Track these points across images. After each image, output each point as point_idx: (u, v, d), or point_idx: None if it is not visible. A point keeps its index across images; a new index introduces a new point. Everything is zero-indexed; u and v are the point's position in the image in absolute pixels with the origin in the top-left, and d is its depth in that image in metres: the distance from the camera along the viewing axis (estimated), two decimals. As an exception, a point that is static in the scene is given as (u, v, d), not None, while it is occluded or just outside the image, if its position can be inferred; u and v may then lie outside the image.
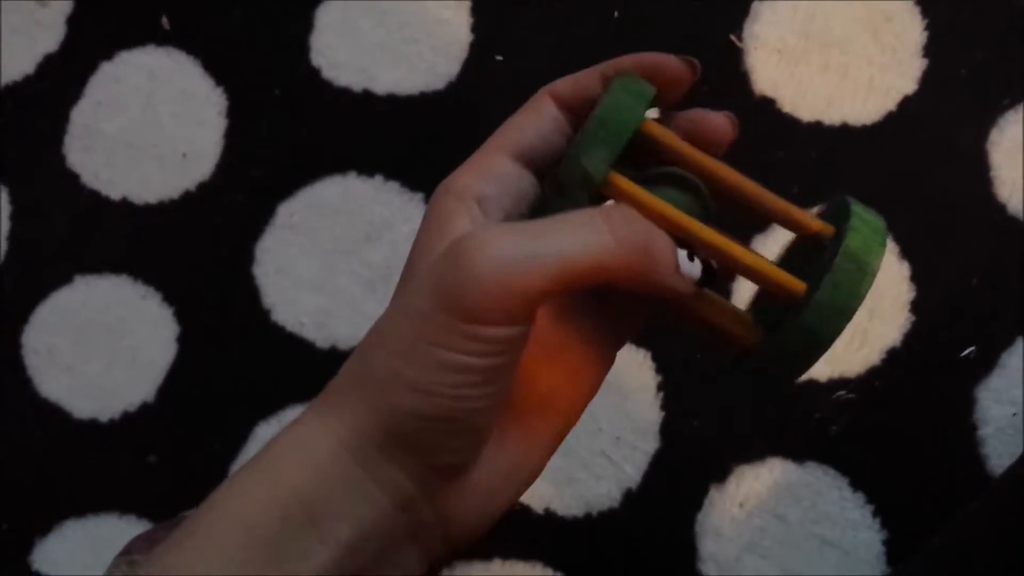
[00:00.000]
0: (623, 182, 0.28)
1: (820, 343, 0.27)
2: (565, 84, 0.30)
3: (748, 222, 0.30)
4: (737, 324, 0.29)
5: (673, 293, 0.26)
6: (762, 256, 0.28)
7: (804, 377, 0.58)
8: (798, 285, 0.27)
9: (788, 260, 0.31)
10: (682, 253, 0.26)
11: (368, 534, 0.26)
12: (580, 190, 0.27)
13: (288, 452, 0.26)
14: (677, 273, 0.26)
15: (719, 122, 0.29)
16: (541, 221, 0.26)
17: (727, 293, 0.58)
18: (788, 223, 0.29)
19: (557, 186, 0.27)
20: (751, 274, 0.28)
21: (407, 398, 0.25)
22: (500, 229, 0.25)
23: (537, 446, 0.29)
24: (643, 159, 0.29)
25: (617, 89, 0.28)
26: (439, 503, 0.27)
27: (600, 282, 0.25)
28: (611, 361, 0.31)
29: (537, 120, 0.30)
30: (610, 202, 0.28)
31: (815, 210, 0.31)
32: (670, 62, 0.29)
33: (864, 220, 0.28)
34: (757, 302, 0.33)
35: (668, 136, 0.28)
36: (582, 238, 0.25)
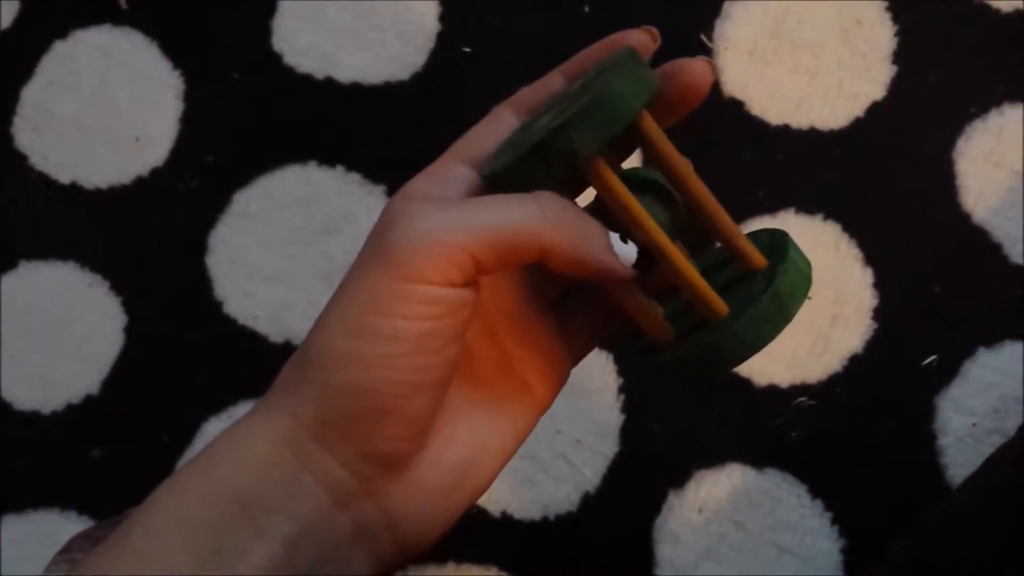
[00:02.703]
0: (605, 171, 0.27)
1: (722, 366, 0.28)
2: (526, 93, 0.30)
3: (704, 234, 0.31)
4: (652, 320, 0.30)
5: (608, 272, 0.26)
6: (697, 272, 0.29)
7: (765, 382, 0.58)
8: (722, 308, 0.29)
9: (715, 268, 0.32)
10: (615, 236, 0.27)
11: (306, 529, 0.26)
12: (560, 162, 0.26)
13: (226, 450, 0.27)
14: (609, 251, 0.26)
15: (699, 67, 0.29)
16: (473, 198, 0.26)
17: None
18: (732, 247, 0.30)
19: (540, 149, 0.26)
20: (687, 286, 0.29)
21: (341, 373, 0.25)
22: (433, 201, 0.26)
23: (489, 447, 0.29)
24: (624, 143, 0.30)
25: (627, 72, 0.27)
26: (383, 500, 0.27)
27: (533, 255, 0.26)
28: (568, 370, 0.31)
29: (495, 130, 0.30)
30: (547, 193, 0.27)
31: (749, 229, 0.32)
32: (632, 36, 0.30)
33: (796, 265, 0.29)
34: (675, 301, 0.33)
35: (656, 133, 0.28)
36: (510, 208, 0.25)
